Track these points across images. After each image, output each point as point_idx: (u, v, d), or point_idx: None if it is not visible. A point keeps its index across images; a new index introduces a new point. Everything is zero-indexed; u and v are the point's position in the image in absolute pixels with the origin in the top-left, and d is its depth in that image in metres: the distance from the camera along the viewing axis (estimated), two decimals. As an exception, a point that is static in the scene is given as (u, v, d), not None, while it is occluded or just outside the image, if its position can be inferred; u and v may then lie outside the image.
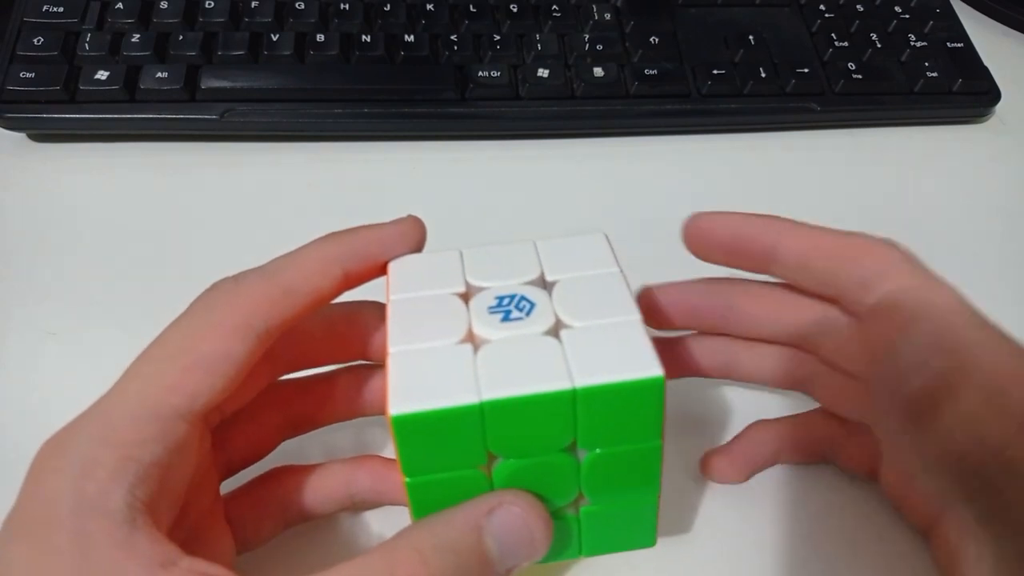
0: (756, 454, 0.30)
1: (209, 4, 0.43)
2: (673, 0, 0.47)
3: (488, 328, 0.22)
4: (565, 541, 0.23)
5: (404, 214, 0.26)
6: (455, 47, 0.43)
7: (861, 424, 0.29)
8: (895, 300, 0.24)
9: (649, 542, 0.24)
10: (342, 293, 0.24)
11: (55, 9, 0.42)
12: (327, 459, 0.28)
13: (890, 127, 0.45)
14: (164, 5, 0.42)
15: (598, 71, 0.43)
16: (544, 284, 0.23)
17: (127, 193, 0.40)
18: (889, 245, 0.26)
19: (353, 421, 0.28)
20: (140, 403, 0.21)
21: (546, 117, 0.42)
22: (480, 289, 0.23)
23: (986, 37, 0.48)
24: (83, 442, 0.21)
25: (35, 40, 0.41)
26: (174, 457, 0.21)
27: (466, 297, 0.23)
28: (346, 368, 0.28)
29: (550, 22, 0.44)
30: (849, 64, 0.44)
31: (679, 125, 0.44)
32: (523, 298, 0.22)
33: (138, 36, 0.41)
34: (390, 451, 0.30)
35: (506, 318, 0.22)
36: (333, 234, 0.24)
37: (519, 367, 0.20)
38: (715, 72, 0.43)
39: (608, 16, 0.45)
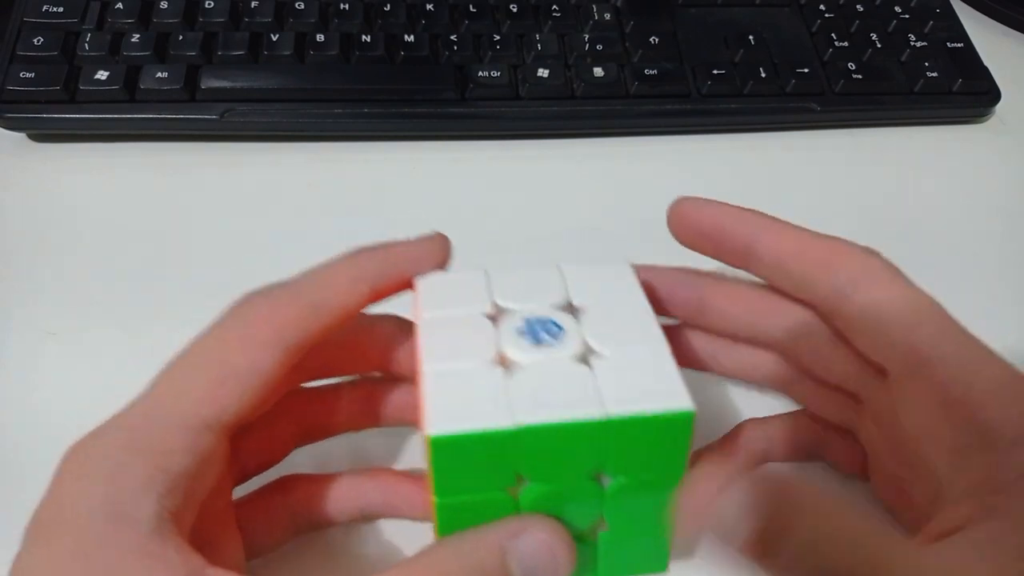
0: (746, 453, 0.30)
1: (209, 4, 0.43)
2: (673, 0, 0.47)
3: (518, 351, 0.22)
4: (582, 565, 0.24)
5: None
6: (455, 47, 0.43)
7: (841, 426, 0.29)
8: (871, 311, 0.24)
9: (661, 567, 0.25)
10: (368, 307, 0.24)
11: (55, 9, 0.42)
12: (338, 469, 0.28)
13: (890, 127, 0.45)
14: (164, 5, 0.42)
15: (598, 71, 0.43)
16: (570, 308, 0.23)
17: (127, 193, 0.40)
18: (868, 253, 0.25)
19: (365, 431, 0.28)
20: (171, 413, 0.21)
21: (546, 117, 0.42)
22: (508, 311, 0.23)
23: (986, 37, 0.48)
24: (113, 449, 0.21)
25: (35, 40, 0.41)
26: (201, 467, 0.21)
27: (494, 318, 0.23)
28: (362, 379, 0.28)
29: (550, 22, 0.44)
30: (849, 64, 0.44)
31: (679, 125, 0.44)
32: (552, 322, 0.22)
33: (138, 36, 0.41)
34: (400, 464, 0.30)
35: (536, 341, 0.22)
36: (361, 249, 0.24)
37: (553, 393, 0.21)
38: (715, 72, 0.43)
39: (608, 16, 0.45)
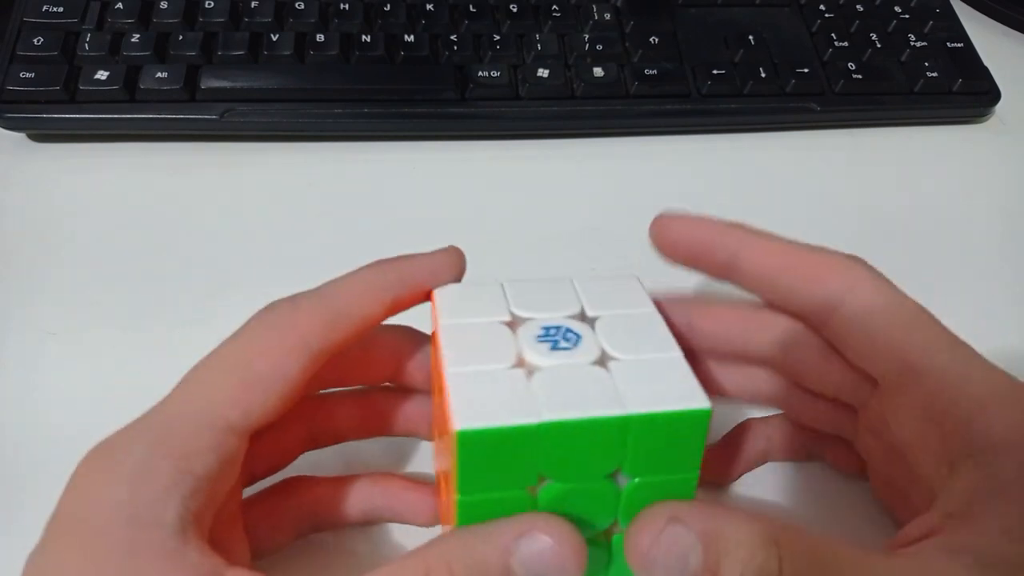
0: (746, 453, 0.30)
1: (209, 4, 0.43)
2: (673, 0, 0.47)
3: (538, 356, 0.22)
4: (595, 568, 0.24)
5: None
6: (455, 47, 0.43)
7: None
8: (859, 322, 0.24)
9: None
10: (388, 318, 0.25)
11: (55, 9, 0.42)
12: (343, 472, 0.28)
13: (890, 127, 0.45)
14: (164, 5, 0.42)
15: (598, 71, 0.43)
16: (584, 319, 0.24)
17: (127, 193, 0.40)
18: (853, 262, 0.25)
19: (374, 439, 0.29)
20: (197, 415, 0.22)
21: (546, 117, 0.42)
22: (526, 319, 0.24)
23: (986, 37, 0.48)
24: (138, 450, 0.21)
25: (35, 40, 0.41)
26: (224, 470, 0.21)
27: (512, 326, 0.24)
28: (374, 388, 0.28)
29: (550, 22, 0.44)
30: (849, 64, 0.44)
31: (679, 125, 0.44)
32: (569, 330, 0.23)
33: (138, 36, 0.41)
34: (405, 471, 0.30)
35: (555, 347, 0.23)
36: (382, 261, 0.25)
37: (575, 392, 0.21)
38: (715, 72, 0.43)
39: (608, 16, 0.45)
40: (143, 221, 0.39)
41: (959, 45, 0.46)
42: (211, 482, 0.21)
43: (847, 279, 0.25)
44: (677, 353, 0.23)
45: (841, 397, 0.27)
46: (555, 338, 0.23)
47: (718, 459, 0.30)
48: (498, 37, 0.43)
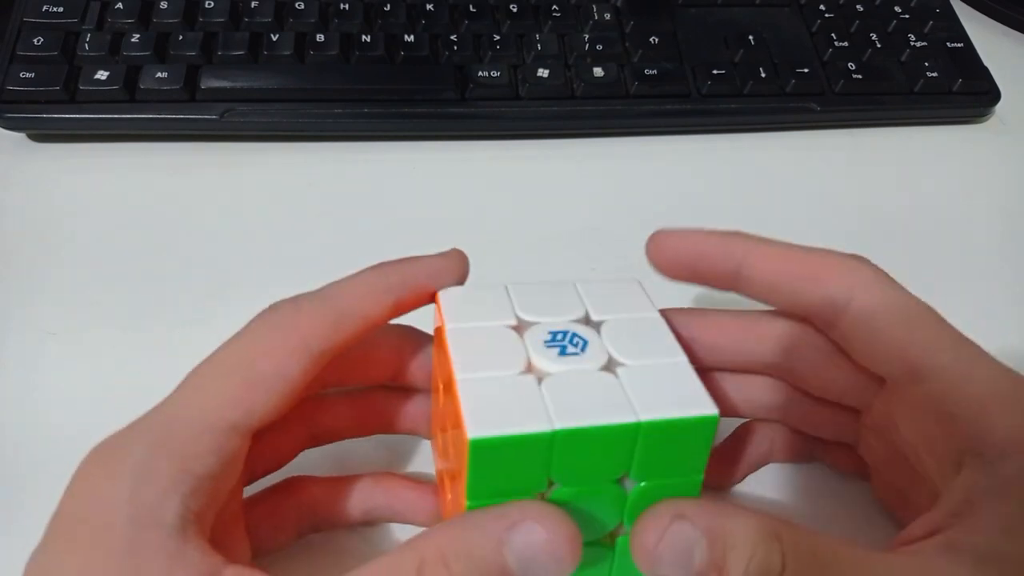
0: (749, 455, 0.30)
1: (209, 4, 0.43)
2: (673, 0, 0.47)
3: (546, 361, 0.22)
4: (598, 569, 0.24)
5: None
6: (455, 47, 0.43)
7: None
8: (865, 322, 0.24)
9: None
10: (391, 320, 0.25)
11: (55, 9, 0.42)
12: (344, 472, 0.28)
13: (890, 127, 0.45)
14: (164, 5, 0.42)
15: (598, 71, 0.43)
16: (589, 323, 0.24)
17: (127, 193, 0.40)
18: (857, 261, 0.25)
19: (374, 437, 0.29)
20: (198, 415, 0.22)
21: (546, 117, 0.42)
22: (531, 324, 0.24)
23: (986, 37, 0.48)
24: (140, 449, 0.21)
25: (35, 40, 0.41)
26: (225, 470, 0.21)
27: (518, 330, 0.24)
28: (374, 387, 0.28)
29: (550, 22, 0.44)
30: (849, 64, 0.44)
31: (679, 125, 0.44)
32: (575, 335, 0.23)
33: (138, 36, 0.41)
34: (407, 469, 0.30)
35: (563, 352, 0.23)
36: (384, 263, 0.25)
37: (585, 400, 0.21)
38: (715, 72, 0.43)
39: (608, 16, 0.45)
40: (143, 221, 0.39)
41: (959, 45, 0.46)
42: (212, 482, 0.21)
43: (853, 279, 0.25)
44: (682, 358, 0.23)
45: (844, 400, 0.27)
46: (563, 343, 0.23)
47: (721, 462, 0.30)
48: (498, 37, 0.43)
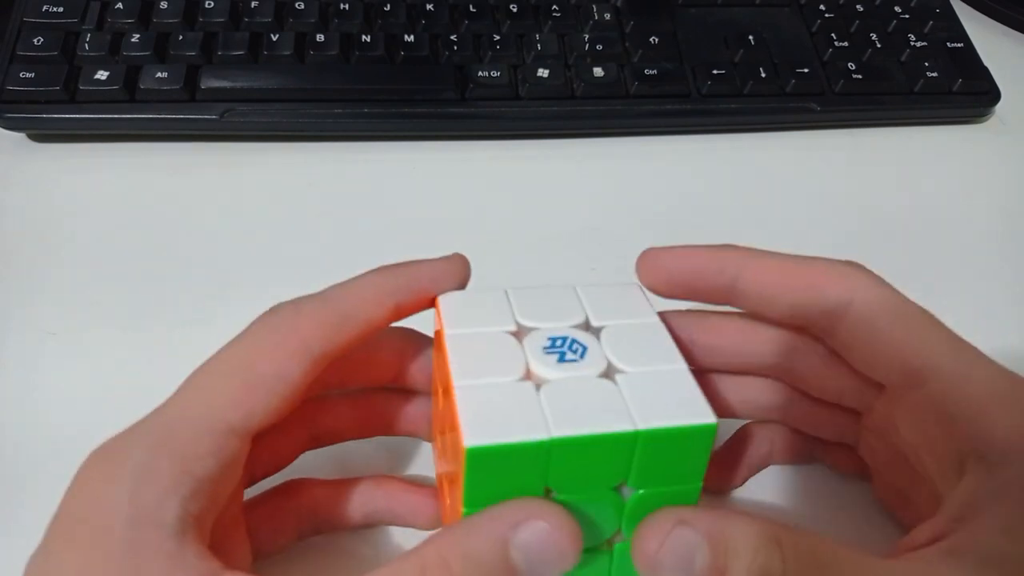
0: (749, 458, 0.30)
1: (209, 4, 0.43)
2: (673, 0, 0.47)
3: (545, 368, 0.22)
4: (596, 573, 0.24)
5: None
6: (455, 47, 0.43)
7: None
8: (863, 330, 0.24)
9: None
10: (392, 323, 0.25)
11: (55, 9, 0.42)
12: (345, 474, 0.28)
13: (890, 127, 0.45)
14: (164, 5, 0.42)
15: (598, 71, 0.43)
16: (589, 328, 0.24)
17: (127, 193, 0.40)
18: (852, 268, 0.25)
19: (374, 439, 0.29)
20: (199, 417, 0.22)
21: (546, 117, 0.42)
22: (531, 329, 0.24)
23: (986, 37, 0.48)
24: (140, 452, 0.21)
25: (35, 40, 0.41)
26: (225, 472, 0.21)
27: (518, 336, 0.24)
28: (375, 389, 0.28)
29: (550, 22, 0.44)
30: (849, 64, 0.44)
31: (679, 125, 0.44)
32: (575, 341, 0.23)
33: (138, 36, 0.41)
34: (408, 471, 0.30)
35: (561, 359, 0.23)
36: (386, 267, 0.25)
37: (583, 408, 0.21)
38: (715, 72, 0.43)
39: (608, 16, 0.45)
40: (143, 221, 0.39)
41: (959, 45, 0.46)
42: (212, 484, 0.21)
43: (849, 286, 0.25)
44: (682, 365, 0.23)
45: (844, 402, 0.27)
46: (562, 350, 0.23)
47: (721, 466, 0.30)
48: (498, 37, 0.43)
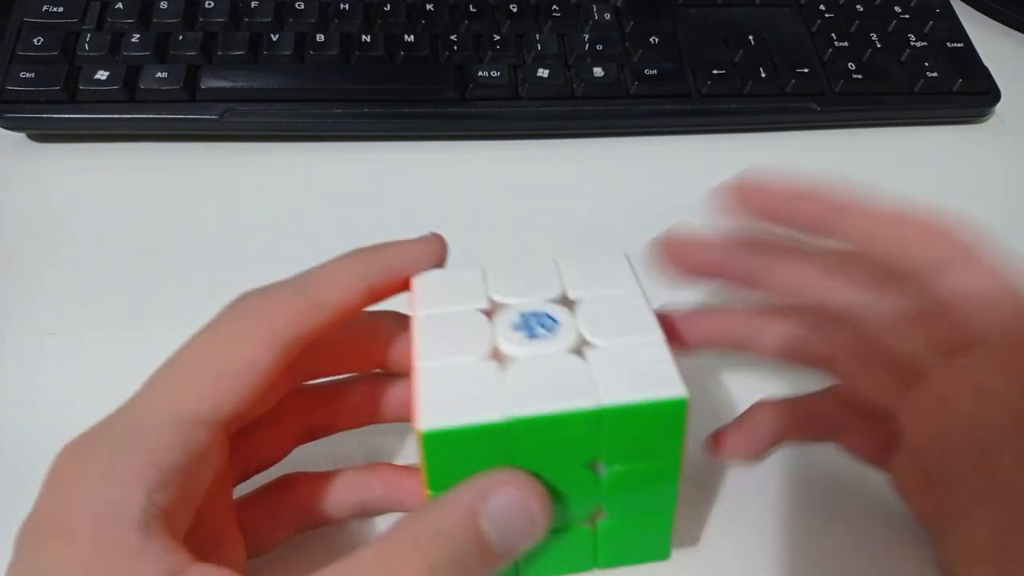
0: (766, 431, 0.29)
1: (209, 4, 0.43)
2: (673, 0, 0.47)
3: (513, 345, 0.22)
4: (581, 554, 0.24)
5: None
6: (455, 47, 0.43)
7: (873, 409, 0.28)
8: (959, 291, 0.24)
9: (663, 555, 0.25)
10: (367, 307, 0.25)
11: (55, 9, 0.42)
12: (338, 466, 0.28)
13: (890, 127, 0.45)
14: (164, 5, 0.42)
15: (598, 71, 0.43)
16: (566, 302, 0.23)
17: (127, 193, 0.40)
18: (956, 232, 0.25)
19: (364, 428, 0.28)
20: (164, 410, 0.21)
21: (546, 117, 0.42)
22: (503, 306, 0.23)
23: (986, 37, 0.48)
24: (107, 448, 0.21)
25: (35, 40, 0.41)
26: (195, 464, 0.21)
27: (490, 313, 0.23)
28: (363, 376, 0.28)
29: (550, 22, 0.44)
30: (849, 64, 0.44)
31: (679, 125, 0.44)
32: (547, 315, 0.22)
33: (138, 36, 0.41)
34: (402, 458, 0.30)
35: (531, 335, 0.22)
36: (359, 249, 0.25)
37: (545, 385, 0.21)
38: (715, 72, 0.43)
39: (608, 16, 0.45)
40: (143, 221, 0.39)
41: (959, 45, 0.46)
42: (180, 476, 0.20)
43: (949, 249, 0.25)
44: (657, 337, 0.22)
45: (903, 364, 0.26)
46: (532, 325, 0.22)
47: (739, 436, 0.29)
48: (498, 37, 0.43)
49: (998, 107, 0.45)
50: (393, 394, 0.27)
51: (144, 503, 0.19)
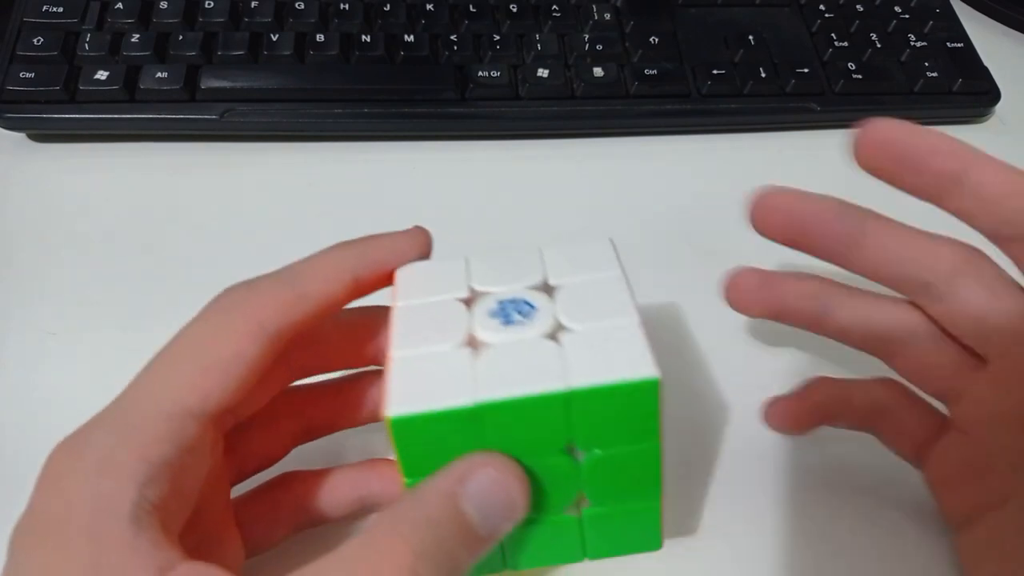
0: (821, 406, 0.29)
1: (209, 4, 0.43)
2: (673, 0, 0.47)
3: (488, 332, 0.22)
4: (569, 545, 0.23)
5: (409, 222, 0.26)
6: (455, 47, 0.43)
7: (922, 402, 0.28)
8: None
9: (655, 545, 0.24)
10: (353, 300, 0.25)
11: (55, 9, 0.42)
12: (337, 464, 0.28)
13: (890, 127, 0.45)
14: (164, 5, 0.42)
15: (598, 71, 0.43)
16: (547, 288, 0.23)
17: (127, 193, 0.40)
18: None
19: (363, 426, 0.28)
20: (153, 403, 0.21)
21: (546, 117, 0.42)
22: (483, 294, 0.23)
23: (986, 37, 0.48)
24: (97, 443, 0.21)
25: (35, 40, 0.41)
26: (186, 457, 0.21)
27: (470, 302, 0.23)
28: (360, 373, 0.28)
29: (550, 22, 0.44)
30: (849, 64, 0.44)
31: (679, 125, 0.44)
32: (524, 302, 0.22)
33: (138, 36, 0.41)
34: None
35: (507, 322, 0.22)
36: (344, 242, 0.25)
37: (516, 369, 0.20)
38: (715, 72, 0.43)
39: (608, 16, 0.45)
40: (143, 221, 0.39)
41: (959, 45, 0.46)
42: (171, 469, 0.20)
43: (966, 257, 0.25)
44: (633, 319, 0.22)
45: (983, 344, 0.26)
46: (509, 312, 0.22)
47: (795, 407, 0.29)
48: (498, 37, 0.43)
49: (998, 107, 0.45)
50: None
51: (135, 497, 0.19)
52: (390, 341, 0.22)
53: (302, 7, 0.43)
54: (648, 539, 0.24)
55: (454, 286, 0.23)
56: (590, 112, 0.43)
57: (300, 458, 0.27)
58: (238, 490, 0.26)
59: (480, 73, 0.42)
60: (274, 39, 0.42)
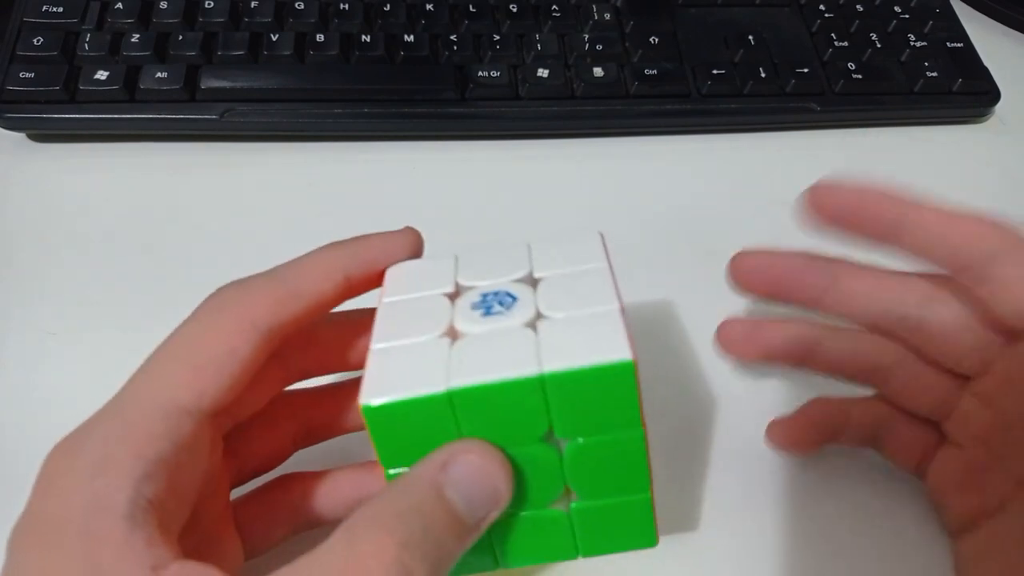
0: (821, 425, 0.30)
1: (209, 4, 0.43)
2: (673, 0, 0.47)
3: (468, 323, 0.22)
4: (560, 541, 0.23)
5: (409, 221, 0.27)
6: (455, 47, 0.43)
7: (919, 417, 0.29)
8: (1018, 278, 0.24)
9: (650, 542, 0.24)
10: (345, 299, 0.25)
11: (55, 9, 0.42)
12: (337, 465, 0.28)
13: (890, 127, 0.45)
14: (164, 5, 0.42)
15: (598, 71, 0.43)
16: (532, 281, 0.23)
17: (127, 193, 0.40)
18: (1011, 228, 0.26)
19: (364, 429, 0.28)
20: (150, 400, 0.22)
21: (546, 117, 0.42)
22: (468, 288, 0.23)
23: (986, 37, 0.48)
24: (96, 442, 0.21)
25: (35, 40, 0.41)
26: (182, 455, 0.21)
27: (454, 297, 0.23)
28: (360, 376, 0.28)
29: (550, 22, 0.44)
30: (849, 64, 0.44)
31: (679, 125, 0.44)
32: (507, 294, 0.22)
33: (138, 36, 0.41)
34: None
35: (488, 313, 0.22)
36: (336, 242, 0.25)
37: (491, 356, 0.21)
38: (715, 72, 0.43)
39: (608, 16, 0.45)
40: (143, 221, 0.39)
41: (959, 45, 0.46)
42: (167, 467, 0.20)
43: (1003, 241, 0.25)
44: (613, 306, 0.22)
45: (964, 362, 0.27)
46: (490, 303, 0.22)
47: (797, 429, 0.30)
48: (498, 37, 0.43)
49: (998, 107, 0.45)
50: None
51: (131, 494, 0.19)
52: (372, 335, 0.22)
53: (302, 7, 0.43)
54: (642, 536, 0.24)
55: (441, 282, 0.24)
56: (590, 112, 0.43)
57: (300, 459, 0.27)
58: (238, 493, 0.26)
59: (480, 73, 0.42)
60: (274, 39, 0.42)
